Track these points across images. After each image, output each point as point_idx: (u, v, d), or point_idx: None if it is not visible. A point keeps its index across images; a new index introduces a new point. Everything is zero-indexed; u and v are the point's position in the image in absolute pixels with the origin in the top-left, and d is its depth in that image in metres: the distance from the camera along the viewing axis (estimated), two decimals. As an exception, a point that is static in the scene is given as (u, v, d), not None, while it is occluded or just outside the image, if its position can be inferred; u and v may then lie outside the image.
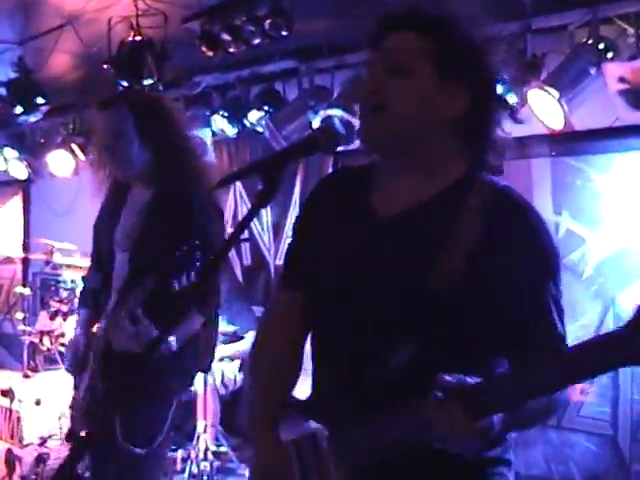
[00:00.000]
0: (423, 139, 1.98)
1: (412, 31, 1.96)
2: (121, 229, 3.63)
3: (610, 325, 4.97)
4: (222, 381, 6.52)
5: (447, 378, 1.71)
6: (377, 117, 1.97)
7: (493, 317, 1.91)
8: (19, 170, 8.64)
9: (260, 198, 1.84)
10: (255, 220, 7.15)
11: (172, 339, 3.26)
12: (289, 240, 2.31)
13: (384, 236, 2.02)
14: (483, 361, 1.97)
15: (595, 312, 5.03)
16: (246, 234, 1.84)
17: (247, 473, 5.25)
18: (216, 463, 5.99)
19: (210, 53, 4.90)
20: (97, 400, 3.46)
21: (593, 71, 4.72)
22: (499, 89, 4.70)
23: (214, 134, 6.86)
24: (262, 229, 7.19)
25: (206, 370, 4.40)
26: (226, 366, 6.53)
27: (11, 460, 5.72)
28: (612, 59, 4.72)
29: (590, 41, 4.74)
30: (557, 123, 4.80)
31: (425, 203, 2.00)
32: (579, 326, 4.94)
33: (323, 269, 2.10)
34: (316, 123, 5.82)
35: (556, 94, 4.70)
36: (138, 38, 5.10)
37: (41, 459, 5.61)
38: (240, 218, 7.28)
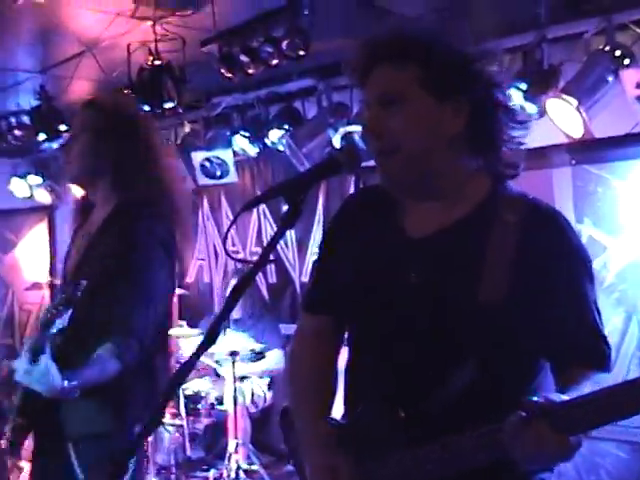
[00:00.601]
0: (437, 164, 1.98)
1: (396, 61, 1.95)
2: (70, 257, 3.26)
3: (635, 332, 4.96)
4: (252, 399, 6.55)
5: (534, 398, 1.70)
6: (389, 161, 1.99)
7: (541, 326, 1.93)
8: (43, 196, 8.73)
9: (285, 221, 1.84)
10: (279, 235, 7.19)
11: (73, 383, 2.78)
12: (314, 260, 2.32)
13: (420, 258, 2.02)
14: (535, 372, 1.99)
15: (619, 319, 5.02)
16: (272, 256, 1.85)
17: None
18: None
19: (229, 75, 4.94)
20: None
21: (610, 78, 4.73)
22: (518, 98, 4.75)
23: (236, 154, 6.92)
24: (286, 246, 7.22)
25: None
26: (255, 384, 6.57)
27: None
28: (629, 65, 4.71)
29: (606, 48, 4.74)
30: (577, 131, 4.81)
31: (459, 222, 2.01)
32: (603, 334, 4.93)
33: (360, 291, 2.09)
34: (336, 140, 5.86)
35: (574, 102, 4.70)
36: (157, 63, 5.15)
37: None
38: (264, 236, 7.33)
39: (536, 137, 4.72)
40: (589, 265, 2.01)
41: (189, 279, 8.08)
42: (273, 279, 7.36)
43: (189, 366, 1.75)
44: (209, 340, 1.72)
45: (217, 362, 6.41)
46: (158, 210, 3.08)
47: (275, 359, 6.53)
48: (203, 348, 1.71)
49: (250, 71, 4.78)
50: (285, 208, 1.85)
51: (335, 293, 2.15)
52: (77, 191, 7.54)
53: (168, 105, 5.23)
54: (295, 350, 2.34)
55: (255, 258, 1.83)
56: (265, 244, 1.84)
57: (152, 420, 1.83)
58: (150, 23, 5.01)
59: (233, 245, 7.54)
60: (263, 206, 7.29)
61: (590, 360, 1.93)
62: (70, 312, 2.78)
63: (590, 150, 5.17)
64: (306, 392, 2.23)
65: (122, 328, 2.88)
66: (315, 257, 2.35)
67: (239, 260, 7.17)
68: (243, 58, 4.76)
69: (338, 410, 2.16)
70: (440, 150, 1.97)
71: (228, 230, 6.79)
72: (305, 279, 7.07)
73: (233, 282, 6.23)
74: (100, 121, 3.13)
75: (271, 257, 1.87)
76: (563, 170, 5.30)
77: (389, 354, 2.03)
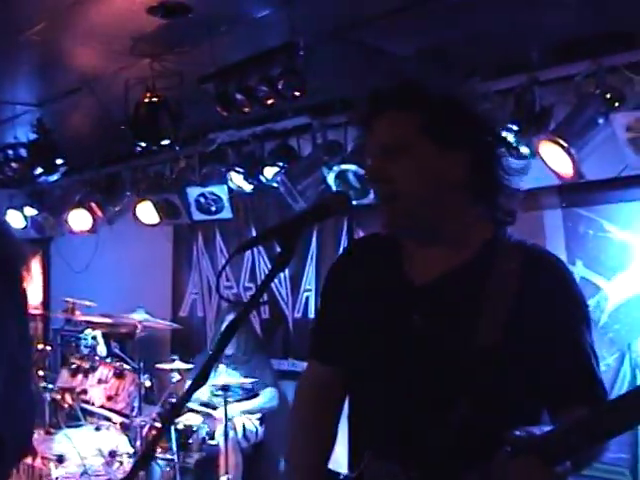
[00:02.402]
0: (439, 210, 2.04)
1: (400, 109, 2.03)
2: None
3: (627, 371, 5.00)
4: (244, 434, 6.56)
5: (516, 432, 1.75)
6: (392, 207, 2.05)
7: (538, 369, 1.98)
8: (39, 228, 8.77)
9: (278, 263, 1.89)
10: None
11: None
12: (318, 305, 2.36)
13: (422, 304, 2.07)
14: (532, 414, 2.04)
15: (612, 359, 5.05)
16: (265, 296, 1.89)
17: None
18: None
19: (225, 113, 4.99)
20: None
21: (601, 120, 4.77)
22: (510, 139, 4.81)
23: (231, 190, 6.95)
24: (279, 283, 7.25)
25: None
26: (247, 419, 6.58)
27: (35, 518, 5.73)
28: (619, 108, 4.76)
29: (597, 91, 4.79)
30: (567, 173, 4.85)
31: (458, 268, 2.07)
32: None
33: (363, 339, 2.14)
34: (330, 178, 5.91)
35: (565, 145, 4.76)
36: (154, 99, 5.20)
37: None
38: (258, 272, 7.35)
39: (527, 179, 4.81)
40: (586, 310, 2.08)
41: (182, 313, 8.13)
42: (266, 315, 7.38)
43: (182, 404, 1.79)
44: (201, 378, 1.75)
45: (206, 404, 6.48)
46: None
47: (267, 397, 6.57)
48: (195, 387, 1.75)
49: (246, 110, 4.83)
50: (278, 250, 1.90)
51: (340, 342, 2.19)
52: (75, 227, 7.52)
53: (165, 142, 5.28)
54: (296, 401, 2.38)
55: (249, 295, 1.86)
56: (258, 285, 1.88)
57: (145, 455, 1.86)
58: (148, 60, 5.07)
59: (227, 280, 7.56)
60: (257, 245, 7.32)
61: (585, 402, 1.94)
62: None
63: (580, 192, 5.22)
64: (306, 444, 2.27)
65: None
66: (318, 302, 2.39)
67: (231, 301, 7.19)
68: (239, 97, 4.82)
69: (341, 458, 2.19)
70: (442, 197, 2.03)
71: (221, 271, 6.84)
72: (298, 315, 7.10)
73: (229, 318, 6.25)
74: None
75: (264, 297, 1.90)
76: (554, 212, 5.35)
77: (391, 397, 2.07)
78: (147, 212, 7.48)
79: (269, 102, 4.70)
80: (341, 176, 5.86)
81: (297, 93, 4.50)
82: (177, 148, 5.58)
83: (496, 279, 1.99)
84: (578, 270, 5.17)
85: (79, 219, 8.16)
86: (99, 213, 8.02)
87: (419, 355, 2.03)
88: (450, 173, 2.01)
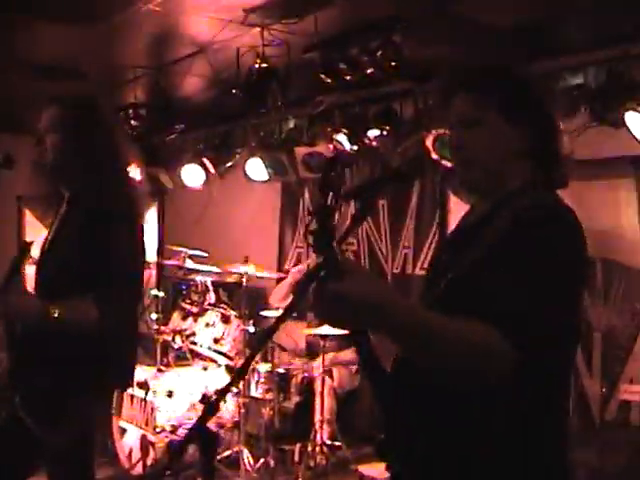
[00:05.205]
0: (505, 173, 2.34)
1: (472, 91, 2.35)
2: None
3: None
4: (339, 382, 6.90)
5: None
6: (466, 170, 2.36)
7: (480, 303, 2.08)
8: (155, 182, 9.24)
9: (355, 220, 2.20)
10: (374, 230, 7.57)
11: (53, 307, 3.16)
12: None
13: (449, 245, 2.47)
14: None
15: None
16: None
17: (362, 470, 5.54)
18: (332, 458, 6.32)
19: (328, 80, 5.30)
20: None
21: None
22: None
23: (336, 150, 7.19)
24: (380, 238, 7.59)
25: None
26: (343, 368, 6.93)
27: (145, 445, 6.20)
28: None
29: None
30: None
31: (477, 218, 2.38)
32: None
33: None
34: (429, 142, 6.14)
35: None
36: (264, 65, 5.54)
37: (172, 445, 6.11)
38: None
39: (602, 149, 5.03)
40: (547, 258, 2.10)
41: (288, 266, 8.47)
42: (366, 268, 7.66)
43: (276, 326, 2.06)
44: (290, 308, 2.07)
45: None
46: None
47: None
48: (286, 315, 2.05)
49: (348, 78, 5.14)
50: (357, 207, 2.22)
51: None
52: (189, 182, 7.82)
53: (272, 106, 5.61)
54: None
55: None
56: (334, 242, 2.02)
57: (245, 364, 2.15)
58: (258, 29, 5.42)
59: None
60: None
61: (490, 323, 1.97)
62: None
63: None
64: None
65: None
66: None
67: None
68: (341, 66, 5.12)
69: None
70: (508, 162, 2.33)
71: (306, 230, 7.13)
72: (397, 270, 7.40)
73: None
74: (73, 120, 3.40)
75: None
76: (627, 180, 5.48)
77: None
78: (257, 169, 7.80)
79: (368, 71, 4.99)
80: (439, 140, 6.10)
81: (394, 64, 4.78)
82: (283, 110, 5.85)
83: (491, 225, 2.23)
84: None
85: (193, 174, 8.54)
86: (211, 169, 8.38)
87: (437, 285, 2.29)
88: (516, 144, 2.32)
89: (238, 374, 2.28)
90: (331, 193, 2.00)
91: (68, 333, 3.21)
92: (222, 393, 2.09)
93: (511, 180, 2.34)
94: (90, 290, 3.21)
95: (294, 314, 2.11)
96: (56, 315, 3.15)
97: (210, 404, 1.87)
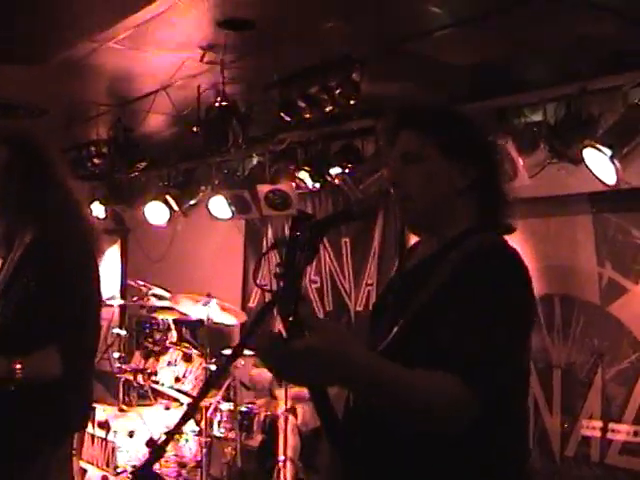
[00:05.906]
0: (445, 212, 2.36)
1: (416, 128, 2.37)
2: None
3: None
4: (303, 420, 6.85)
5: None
6: (404, 205, 2.36)
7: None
8: (118, 220, 9.24)
9: (306, 256, 2.12)
10: (337, 267, 7.57)
11: (18, 366, 3.06)
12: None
13: (395, 286, 2.46)
14: None
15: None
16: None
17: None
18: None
19: (288, 118, 5.33)
20: None
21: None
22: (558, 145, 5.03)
23: (298, 187, 7.26)
24: (343, 277, 7.59)
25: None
26: (306, 408, 6.88)
27: (106, 486, 6.15)
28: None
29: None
30: (610, 180, 5.07)
31: (423, 260, 2.39)
32: (623, 369, 5.30)
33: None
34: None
35: (608, 152, 4.98)
36: (224, 103, 5.55)
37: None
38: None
39: (558, 186, 5.06)
40: (504, 297, 2.12)
41: (251, 304, 8.45)
42: (330, 307, 7.69)
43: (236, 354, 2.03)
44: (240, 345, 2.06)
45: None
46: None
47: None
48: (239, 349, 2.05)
49: (307, 116, 5.16)
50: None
51: None
52: (153, 219, 7.76)
53: (232, 144, 5.61)
54: None
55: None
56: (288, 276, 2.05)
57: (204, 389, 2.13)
58: (219, 68, 5.42)
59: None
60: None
61: (449, 371, 1.99)
62: None
63: (609, 200, 5.39)
64: None
65: None
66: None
67: (268, 290, 7.49)
68: (301, 104, 5.15)
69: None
70: (450, 200, 2.34)
71: (257, 265, 7.13)
72: (360, 308, 7.41)
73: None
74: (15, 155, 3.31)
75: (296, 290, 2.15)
76: (585, 217, 5.52)
77: None
78: (220, 206, 7.81)
79: (328, 109, 5.02)
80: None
81: (352, 102, 4.81)
82: (244, 147, 5.84)
83: (440, 267, 2.21)
84: (606, 272, 5.42)
85: (156, 211, 8.52)
86: (175, 206, 8.37)
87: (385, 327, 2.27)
88: (457, 181, 2.34)
89: (185, 415, 2.24)
90: (298, 253, 2.00)
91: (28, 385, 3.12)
92: (170, 434, 2.05)
93: (456, 220, 2.35)
94: (50, 339, 3.15)
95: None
96: (20, 375, 3.06)
97: (157, 447, 1.85)
